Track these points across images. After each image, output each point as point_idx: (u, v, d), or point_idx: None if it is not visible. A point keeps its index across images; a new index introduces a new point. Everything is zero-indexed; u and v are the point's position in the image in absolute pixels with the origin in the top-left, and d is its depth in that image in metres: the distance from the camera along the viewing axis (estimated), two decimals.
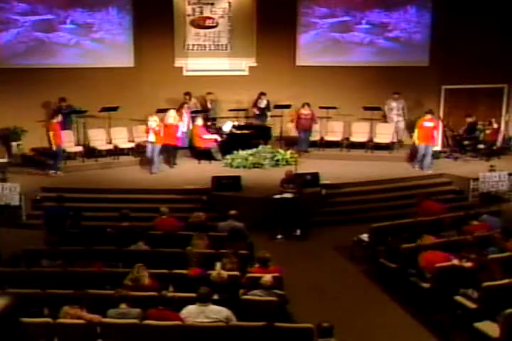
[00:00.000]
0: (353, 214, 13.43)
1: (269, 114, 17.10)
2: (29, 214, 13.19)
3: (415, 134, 15.05)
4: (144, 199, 13.48)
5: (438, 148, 17.37)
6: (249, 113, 17.30)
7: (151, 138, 14.84)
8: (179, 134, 15.59)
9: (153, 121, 14.80)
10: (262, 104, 17.01)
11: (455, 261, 9.04)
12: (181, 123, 15.67)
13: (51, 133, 14.51)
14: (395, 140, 16.82)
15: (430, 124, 14.99)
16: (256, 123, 17.02)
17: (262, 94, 16.98)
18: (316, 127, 16.77)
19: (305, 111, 16.21)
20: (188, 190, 13.71)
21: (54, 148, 14.55)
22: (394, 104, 16.83)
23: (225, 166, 15.38)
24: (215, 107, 17.08)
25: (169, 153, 15.50)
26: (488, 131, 16.47)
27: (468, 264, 8.76)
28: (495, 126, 16.60)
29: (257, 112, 17.07)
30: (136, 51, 16.97)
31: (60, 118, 14.81)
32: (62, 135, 14.91)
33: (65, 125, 15.69)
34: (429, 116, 15.08)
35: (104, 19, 16.74)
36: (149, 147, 14.93)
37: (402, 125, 16.98)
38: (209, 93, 16.93)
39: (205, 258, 9.12)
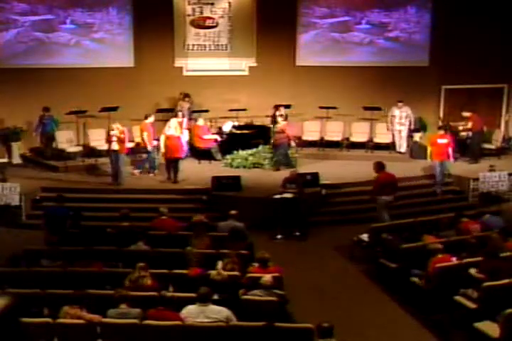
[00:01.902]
0: (352, 214, 13.43)
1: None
2: (29, 214, 13.20)
3: (428, 151, 14.49)
4: (144, 199, 13.49)
5: None
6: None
7: (115, 146, 13.90)
8: (185, 147, 14.87)
9: (116, 129, 13.94)
10: (282, 117, 15.98)
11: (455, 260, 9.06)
12: (182, 134, 14.76)
13: (145, 134, 14.59)
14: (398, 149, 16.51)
15: (444, 141, 14.15)
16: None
17: (279, 106, 16.12)
18: (318, 127, 16.48)
19: (278, 124, 15.34)
20: (188, 190, 13.72)
21: (149, 148, 14.64)
22: (397, 113, 16.31)
23: (225, 166, 15.38)
24: (192, 108, 16.82)
25: (170, 167, 14.37)
26: (467, 126, 16.05)
27: (480, 276, 8.69)
28: (467, 115, 16.07)
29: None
30: (136, 51, 16.97)
31: (152, 119, 14.84)
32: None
33: (46, 134, 15.62)
34: (441, 132, 14.43)
35: (104, 19, 16.75)
36: (113, 156, 14.01)
37: (404, 134, 16.44)
38: (182, 93, 16.72)
39: (205, 258, 9.12)
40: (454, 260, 9.16)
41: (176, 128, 14.38)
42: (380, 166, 12.37)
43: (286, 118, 15.55)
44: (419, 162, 16.06)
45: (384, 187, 12.20)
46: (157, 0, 16.89)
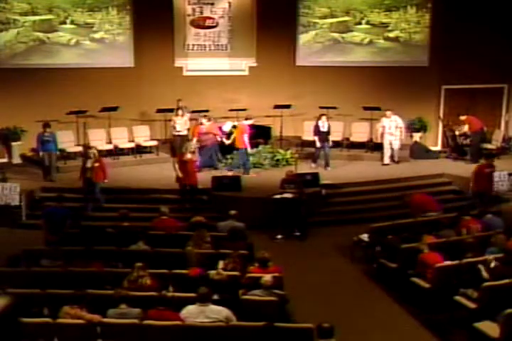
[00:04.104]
0: (352, 214, 13.43)
1: (330, 138, 15.47)
2: (29, 214, 13.19)
3: (471, 182, 13.36)
4: (144, 199, 13.48)
5: (438, 148, 17.41)
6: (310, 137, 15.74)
7: (89, 173, 12.92)
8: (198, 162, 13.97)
9: (92, 155, 12.98)
10: (325, 127, 15.21)
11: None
12: (200, 157, 14.25)
13: (245, 136, 14.63)
14: (387, 162, 15.80)
15: (490, 170, 13.50)
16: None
17: (322, 115, 15.33)
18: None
19: (202, 125, 15.08)
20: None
21: (249, 150, 14.70)
22: (386, 123, 15.60)
23: (225, 166, 15.37)
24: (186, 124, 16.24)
25: (187, 193, 13.33)
26: (464, 129, 16.00)
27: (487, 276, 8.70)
28: (463, 118, 16.06)
29: (319, 145, 15.24)
30: (136, 51, 16.99)
31: (251, 121, 14.91)
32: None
33: (49, 153, 14.35)
34: (488, 161, 13.78)
35: (104, 19, 16.78)
36: (88, 186, 13.01)
37: (396, 146, 15.74)
38: (179, 100, 16.37)
39: (206, 258, 9.12)
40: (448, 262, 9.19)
41: (193, 153, 13.46)
42: (408, 195, 12.17)
43: (209, 119, 15.29)
44: (419, 162, 16.08)
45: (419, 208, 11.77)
46: (157, 0, 16.90)
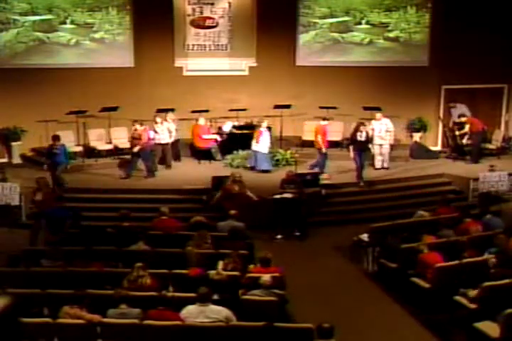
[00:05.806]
0: (352, 214, 13.44)
1: (371, 146, 14.72)
2: (29, 214, 13.19)
3: None
4: (144, 199, 13.48)
5: (438, 148, 17.41)
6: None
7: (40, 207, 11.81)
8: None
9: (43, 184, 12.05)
10: (362, 136, 14.27)
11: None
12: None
13: (319, 137, 14.61)
14: (379, 166, 15.33)
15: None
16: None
17: (362, 124, 14.45)
18: None
19: (136, 130, 14.59)
20: (188, 190, 13.71)
21: (323, 150, 14.63)
22: (375, 126, 15.11)
23: (225, 166, 15.37)
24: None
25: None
26: (465, 129, 15.95)
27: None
28: (463, 119, 16.10)
29: (352, 154, 14.29)
30: (136, 51, 16.98)
31: (327, 122, 14.82)
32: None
33: (57, 165, 13.64)
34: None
35: (104, 19, 16.78)
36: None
37: (386, 150, 15.24)
38: (172, 109, 16.27)
39: (206, 258, 9.13)
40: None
41: (241, 182, 12.41)
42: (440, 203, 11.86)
43: (142, 124, 14.74)
44: (419, 162, 16.07)
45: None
46: (157, 0, 16.90)
